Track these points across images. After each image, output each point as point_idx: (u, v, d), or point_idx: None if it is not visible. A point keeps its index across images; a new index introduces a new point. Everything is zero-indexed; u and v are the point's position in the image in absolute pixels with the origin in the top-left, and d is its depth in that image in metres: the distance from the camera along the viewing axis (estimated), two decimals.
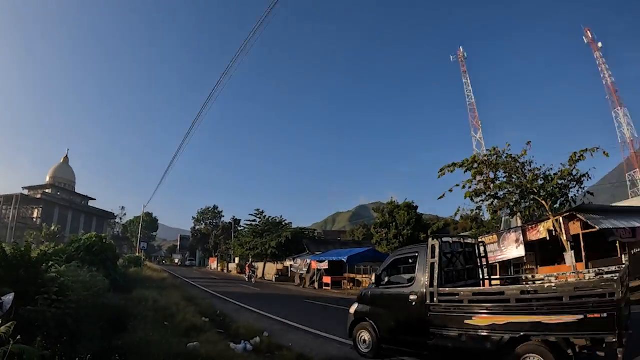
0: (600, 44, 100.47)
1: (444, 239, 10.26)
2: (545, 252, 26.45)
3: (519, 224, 27.43)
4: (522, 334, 7.45)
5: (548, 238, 22.87)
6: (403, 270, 10.69)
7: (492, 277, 12.50)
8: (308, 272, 40.11)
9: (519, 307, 7.62)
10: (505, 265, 26.48)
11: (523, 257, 25.24)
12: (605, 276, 8.59)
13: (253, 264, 48.07)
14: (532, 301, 7.55)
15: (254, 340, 11.14)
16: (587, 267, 21.78)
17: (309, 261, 40.42)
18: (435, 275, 8.97)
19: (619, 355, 6.53)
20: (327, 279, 37.40)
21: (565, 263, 20.75)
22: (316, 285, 37.99)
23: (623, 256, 25.71)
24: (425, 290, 9.05)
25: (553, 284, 8.08)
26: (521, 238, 24.00)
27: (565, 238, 20.17)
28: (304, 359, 9.80)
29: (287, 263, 48.83)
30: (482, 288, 9.02)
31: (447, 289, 8.96)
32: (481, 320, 7.99)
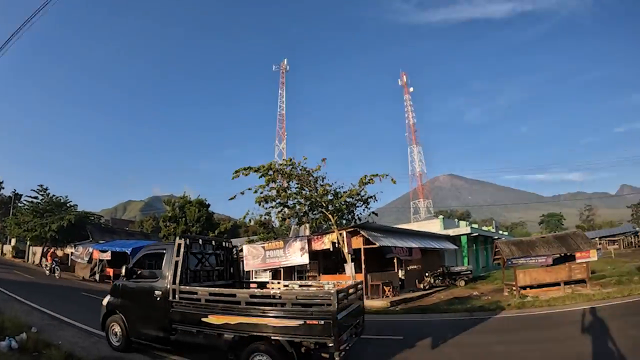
0: (411, 89, 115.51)
1: (194, 239, 10.59)
2: (328, 262, 27.68)
3: (308, 233, 28.21)
4: (251, 334, 7.97)
5: (331, 249, 23.83)
6: (155, 266, 10.66)
7: (245, 280, 13.72)
8: (89, 261, 36.41)
9: (248, 309, 8.15)
10: (290, 270, 26.99)
11: (307, 264, 25.99)
12: (325, 288, 9.94)
13: (56, 251, 40.23)
14: (260, 305, 8.18)
15: (19, 336, 10.11)
16: (366, 279, 23.14)
17: (91, 250, 36.67)
18: (178, 273, 9.23)
19: (336, 358, 7.29)
20: (109, 271, 34.43)
21: (345, 273, 21.61)
22: (97, 277, 34.80)
23: (400, 271, 28.02)
24: (169, 287, 9.29)
25: (278, 292, 8.85)
26: (306, 247, 24.69)
27: (346, 250, 21.00)
28: (73, 358, 9.20)
29: (68, 250, 43.46)
30: (217, 289, 9.09)
31: (187, 287, 9.21)
32: (216, 319, 8.39)
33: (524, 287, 21.16)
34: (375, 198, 21.60)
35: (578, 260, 21.48)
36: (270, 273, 28.14)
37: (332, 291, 7.67)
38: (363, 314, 10.25)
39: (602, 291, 18.98)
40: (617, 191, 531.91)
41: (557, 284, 20.99)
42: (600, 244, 73.36)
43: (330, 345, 7.28)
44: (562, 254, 22.32)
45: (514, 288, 21.40)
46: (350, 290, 9.19)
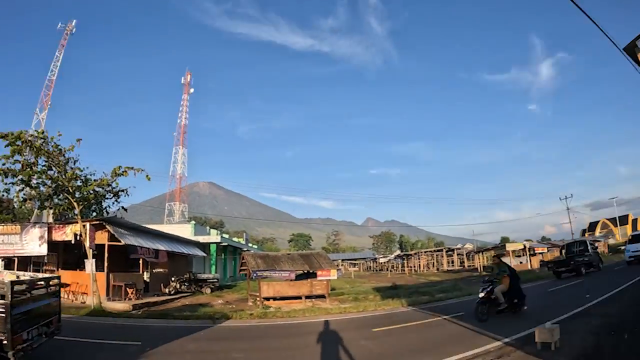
0: (192, 90, 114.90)
1: None
2: (70, 255, 25.54)
3: (51, 220, 25.72)
4: None
5: (74, 242, 21.95)
6: None
7: None
8: None
9: None
10: (26, 261, 24.11)
11: (45, 256, 23.56)
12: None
13: None
14: None
15: None
16: (108, 278, 22.01)
17: None
18: None
19: (11, 358, 6.63)
20: None
21: (86, 270, 20.21)
22: None
23: (145, 273, 27.28)
24: None
25: None
26: (46, 235, 22.30)
27: (88, 245, 19.86)
28: None
29: None
30: None
31: None
32: None
33: (268, 299, 22.40)
34: (127, 192, 20.99)
35: (319, 278, 23.62)
36: (4, 262, 24.51)
37: (6, 281, 6.99)
38: (59, 313, 9.38)
39: (340, 306, 21.25)
40: (363, 222, 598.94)
41: (299, 297, 22.78)
42: (342, 265, 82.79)
43: (5, 342, 6.66)
44: (305, 271, 24.41)
45: (258, 298, 22.45)
46: (38, 284, 8.53)
